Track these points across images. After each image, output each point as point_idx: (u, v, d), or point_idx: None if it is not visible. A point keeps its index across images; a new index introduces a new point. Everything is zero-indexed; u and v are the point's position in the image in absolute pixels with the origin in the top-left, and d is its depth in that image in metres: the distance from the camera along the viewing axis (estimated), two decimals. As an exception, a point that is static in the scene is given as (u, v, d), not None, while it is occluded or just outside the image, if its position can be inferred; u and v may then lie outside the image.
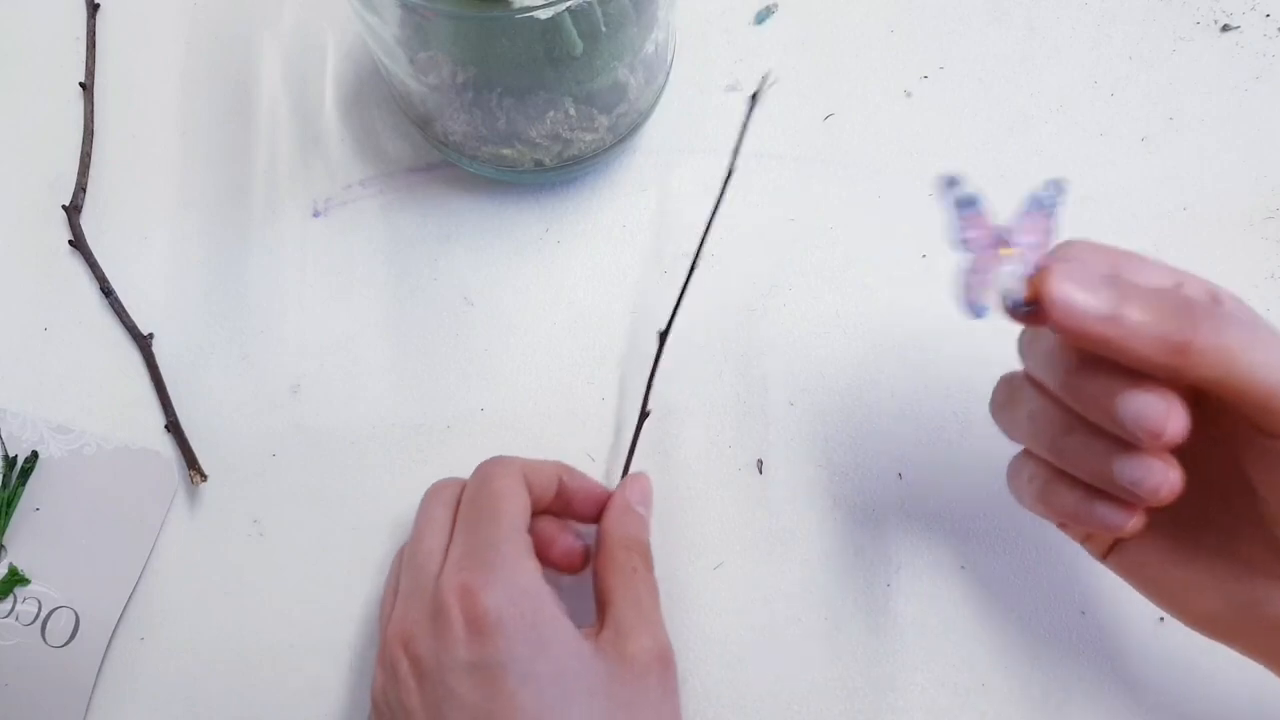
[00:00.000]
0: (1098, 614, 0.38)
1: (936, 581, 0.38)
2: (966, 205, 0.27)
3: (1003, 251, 0.27)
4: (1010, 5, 0.47)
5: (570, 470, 0.36)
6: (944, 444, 0.40)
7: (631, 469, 0.39)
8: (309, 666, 0.38)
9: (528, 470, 0.34)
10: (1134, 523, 0.28)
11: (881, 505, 0.40)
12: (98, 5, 0.48)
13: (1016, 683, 0.37)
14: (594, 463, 0.41)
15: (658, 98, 0.44)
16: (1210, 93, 0.46)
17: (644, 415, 0.39)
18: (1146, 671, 0.37)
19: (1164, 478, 0.26)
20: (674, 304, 0.34)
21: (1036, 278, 0.26)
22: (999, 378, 0.32)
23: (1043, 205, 0.27)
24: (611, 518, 0.35)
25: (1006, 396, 0.31)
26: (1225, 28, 0.47)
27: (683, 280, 0.37)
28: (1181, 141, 0.45)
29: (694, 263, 0.36)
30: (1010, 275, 0.27)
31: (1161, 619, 0.37)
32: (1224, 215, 0.44)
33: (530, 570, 0.31)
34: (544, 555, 0.34)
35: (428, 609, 0.30)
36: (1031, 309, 0.26)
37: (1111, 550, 0.32)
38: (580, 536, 0.36)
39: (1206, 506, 0.29)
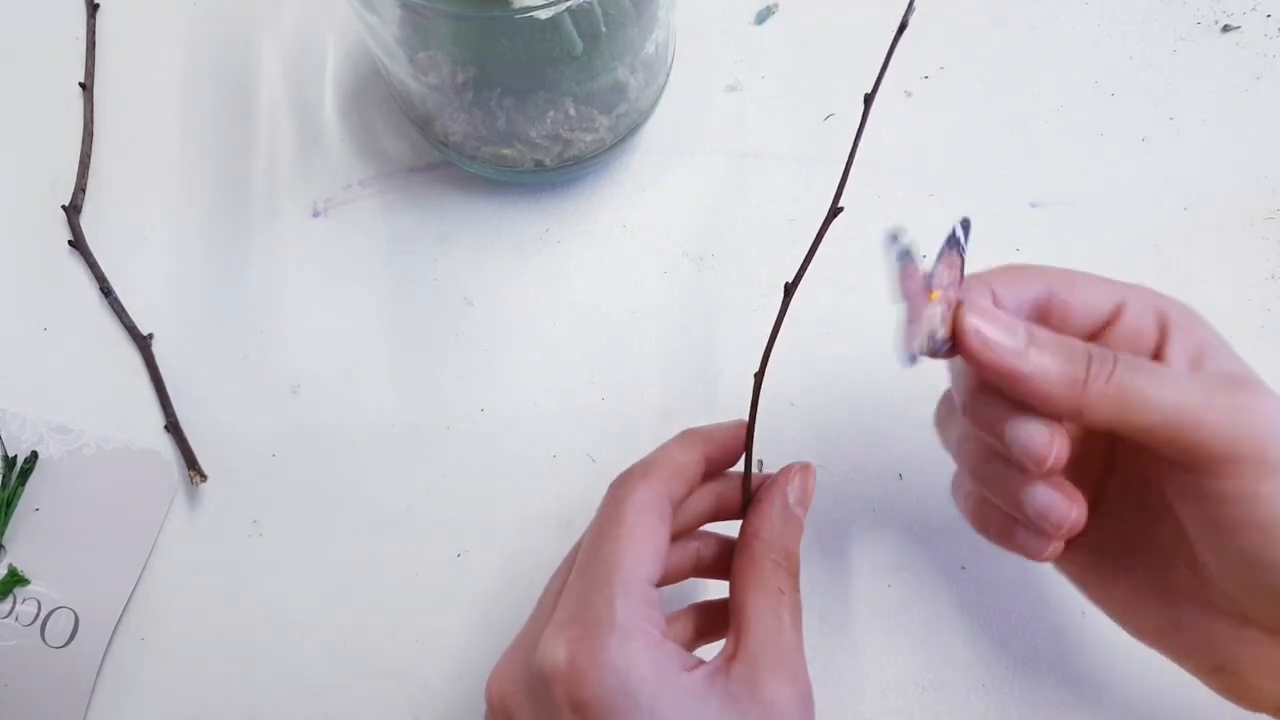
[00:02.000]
0: (1097, 614, 0.38)
1: (936, 581, 0.38)
2: (906, 257, 0.27)
3: (931, 296, 0.28)
4: (1010, 5, 0.47)
5: (709, 436, 0.31)
6: (944, 444, 0.40)
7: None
8: (309, 667, 0.38)
9: (670, 483, 0.29)
10: (1050, 551, 0.29)
11: (881, 505, 0.40)
12: (98, 5, 0.48)
13: (1016, 683, 0.37)
14: (594, 463, 0.41)
15: (658, 98, 0.44)
16: (1210, 93, 0.46)
17: (756, 390, 0.31)
18: (1146, 671, 0.37)
19: (1067, 512, 0.28)
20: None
21: (953, 314, 0.27)
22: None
23: (956, 244, 0.28)
24: (765, 519, 0.29)
25: (943, 415, 0.33)
26: (1225, 28, 0.47)
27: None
28: (1181, 141, 0.45)
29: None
30: (934, 317, 0.28)
31: (1161, 619, 0.37)
32: (1224, 215, 0.44)
33: (648, 641, 0.26)
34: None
35: (528, 675, 0.27)
36: (951, 345, 0.28)
37: (1059, 562, 0.32)
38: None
39: (1138, 533, 0.30)
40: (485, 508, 0.40)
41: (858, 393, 0.41)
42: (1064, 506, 0.28)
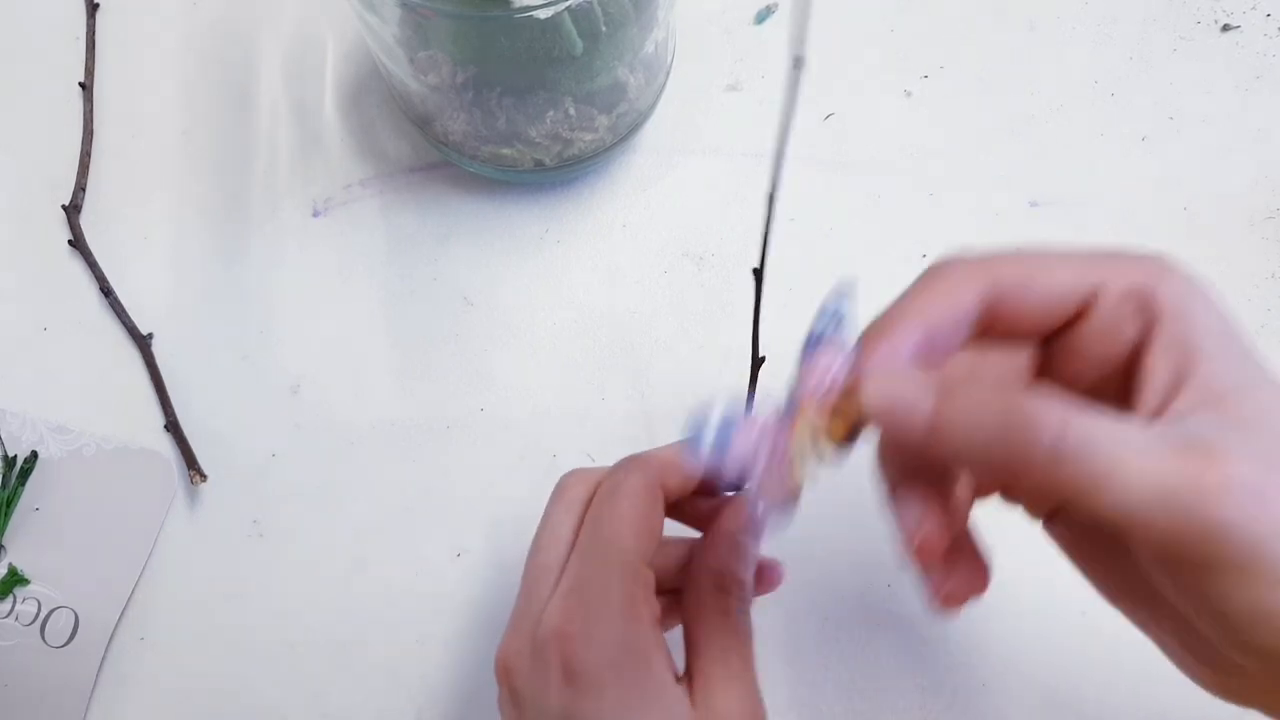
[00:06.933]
0: (1097, 614, 0.38)
1: (936, 581, 0.38)
2: (727, 431, 0.25)
3: (795, 427, 0.25)
4: (1010, 5, 0.47)
5: None
6: (944, 444, 0.40)
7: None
8: (309, 667, 0.38)
9: (663, 474, 0.30)
10: (949, 613, 0.26)
11: (882, 506, 0.40)
12: (97, 5, 0.48)
13: (1016, 683, 0.37)
14: (594, 463, 0.41)
15: (658, 98, 0.44)
16: (1210, 93, 0.46)
17: (757, 364, 0.32)
18: (1146, 672, 0.37)
19: (937, 588, 0.25)
20: (762, 241, 0.27)
21: (843, 409, 0.24)
22: None
23: (827, 326, 0.25)
24: (709, 545, 0.30)
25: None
26: (1225, 28, 0.47)
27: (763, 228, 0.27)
28: (1181, 141, 0.45)
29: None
30: (819, 426, 0.25)
31: (1161, 619, 0.37)
32: (1224, 215, 0.44)
33: (639, 621, 0.27)
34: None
35: (529, 642, 0.28)
36: (854, 439, 0.25)
37: (1047, 522, 0.29)
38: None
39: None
40: (485, 508, 0.40)
41: (858, 393, 0.41)
42: (935, 581, 0.25)
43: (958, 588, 0.25)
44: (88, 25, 0.47)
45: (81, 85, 0.46)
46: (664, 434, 0.41)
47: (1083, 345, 0.25)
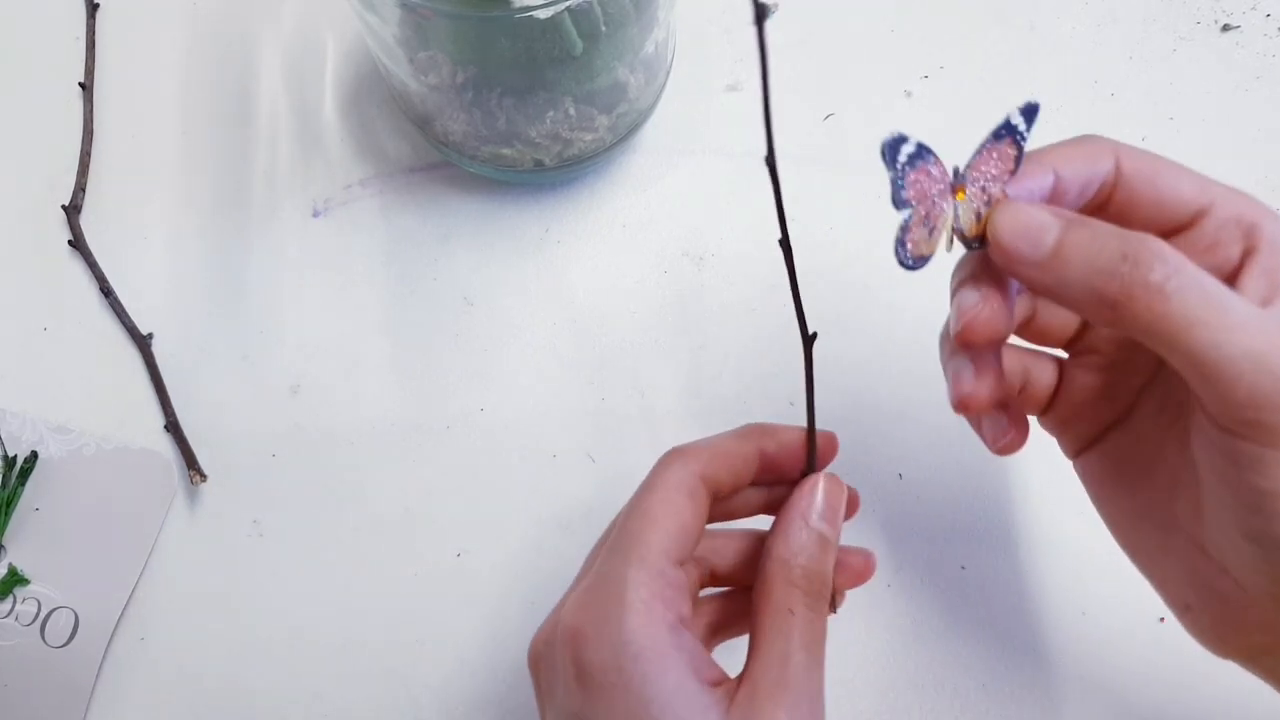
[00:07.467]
0: (1098, 614, 0.38)
1: (936, 581, 0.38)
2: (920, 157, 0.26)
3: (958, 194, 0.26)
4: (1010, 5, 0.47)
5: (773, 433, 0.30)
6: (944, 444, 0.40)
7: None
8: (309, 667, 0.38)
9: (710, 464, 0.28)
10: (1004, 444, 0.28)
11: (881, 505, 0.40)
12: (98, 5, 0.48)
13: (1016, 683, 0.37)
14: (594, 463, 0.41)
15: (658, 98, 0.44)
16: (1210, 93, 0.46)
17: (809, 340, 0.31)
18: (1146, 671, 0.37)
19: (960, 386, 0.27)
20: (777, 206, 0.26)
21: (986, 216, 0.26)
22: None
23: (1013, 132, 0.26)
24: (778, 534, 0.28)
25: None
26: (1225, 28, 0.47)
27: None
28: (1181, 141, 0.45)
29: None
30: (964, 212, 0.26)
31: (1162, 619, 0.37)
32: (1224, 215, 0.44)
33: (652, 622, 0.25)
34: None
35: (550, 634, 0.27)
36: (983, 246, 0.26)
37: (1079, 454, 0.31)
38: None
39: (1160, 451, 0.28)
40: (485, 508, 0.40)
41: (857, 393, 0.41)
42: (964, 381, 0.27)
43: (980, 394, 0.27)
44: (88, 25, 0.47)
45: (81, 85, 0.46)
46: (664, 434, 0.41)
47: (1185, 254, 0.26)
